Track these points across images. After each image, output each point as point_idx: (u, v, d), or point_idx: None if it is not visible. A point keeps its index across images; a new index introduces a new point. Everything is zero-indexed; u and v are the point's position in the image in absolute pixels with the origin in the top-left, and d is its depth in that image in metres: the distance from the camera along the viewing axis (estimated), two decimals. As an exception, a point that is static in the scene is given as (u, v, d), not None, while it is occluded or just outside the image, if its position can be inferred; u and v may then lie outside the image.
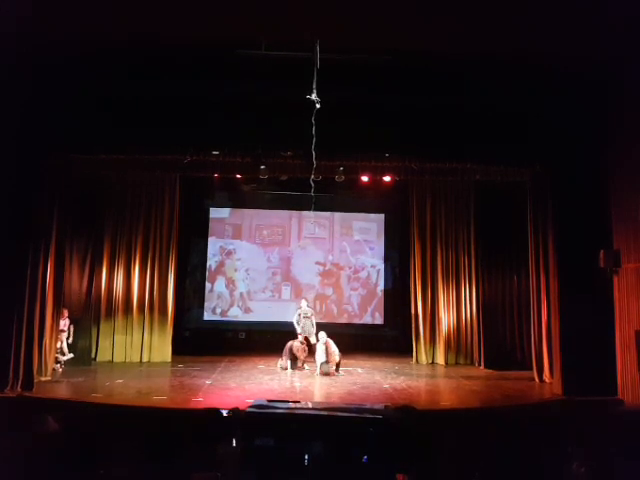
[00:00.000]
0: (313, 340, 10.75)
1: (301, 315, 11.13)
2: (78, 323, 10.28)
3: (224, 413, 5.00)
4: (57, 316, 9.19)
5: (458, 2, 6.20)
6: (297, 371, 10.25)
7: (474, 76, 7.83)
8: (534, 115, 8.38)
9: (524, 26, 6.59)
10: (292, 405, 6.04)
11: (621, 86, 7.96)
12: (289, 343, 10.40)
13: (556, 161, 8.60)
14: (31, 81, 7.83)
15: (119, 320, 11.31)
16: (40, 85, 7.89)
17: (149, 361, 11.17)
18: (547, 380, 9.30)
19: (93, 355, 10.92)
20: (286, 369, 10.19)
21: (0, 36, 6.76)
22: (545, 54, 7.22)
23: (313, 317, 11.22)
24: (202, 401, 7.58)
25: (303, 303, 11.43)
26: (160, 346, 11.29)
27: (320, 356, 10.00)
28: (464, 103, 8.28)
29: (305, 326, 10.98)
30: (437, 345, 11.72)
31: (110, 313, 11.30)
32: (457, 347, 11.67)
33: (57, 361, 9.56)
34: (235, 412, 4.93)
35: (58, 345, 9.55)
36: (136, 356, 11.19)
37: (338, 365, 10.11)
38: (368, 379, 9.71)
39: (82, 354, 10.32)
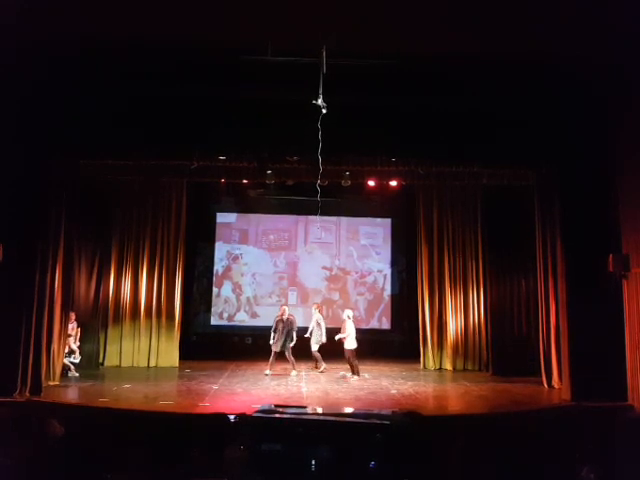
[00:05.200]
0: (314, 348, 10.68)
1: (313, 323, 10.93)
2: (86, 327, 10.33)
3: (231, 418, 5.00)
4: (65, 321, 9.23)
5: (460, 4, 6.21)
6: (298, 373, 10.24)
7: (478, 78, 7.81)
8: (539, 116, 8.32)
9: (528, 27, 6.58)
10: (299, 410, 6.02)
11: (627, 84, 7.88)
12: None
13: (562, 162, 8.53)
14: (34, 84, 7.85)
15: (127, 325, 11.35)
16: (43, 88, 7.92)
17: (156, 366, 11.20)
18: (556, 385, 9.22)
19: (101, 360, 10.97)
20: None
21: (2, 37, 6.81)
22: (548, 54, 7.20)
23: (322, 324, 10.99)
24: (209, 406, 7.59)
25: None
26: (167, 351, 11.32)
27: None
28: (469, 106, 8.25)
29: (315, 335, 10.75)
30: (445, 350, 11.66)
31: (118, 318, 11.35)
32: (465, 352, 11.61)
33: (64, 368, 9.54)
34: (242, 417, 4.93)
35: (66, 350, 9.58)
36: (143, 361, 11.23)
37: (354, 370, 10.07)
38: (375, 384, 9.67)
39: (90, 359, 10.36)
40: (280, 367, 10.58)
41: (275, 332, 10.36)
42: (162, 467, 3.92)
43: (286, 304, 11.67)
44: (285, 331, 10.29)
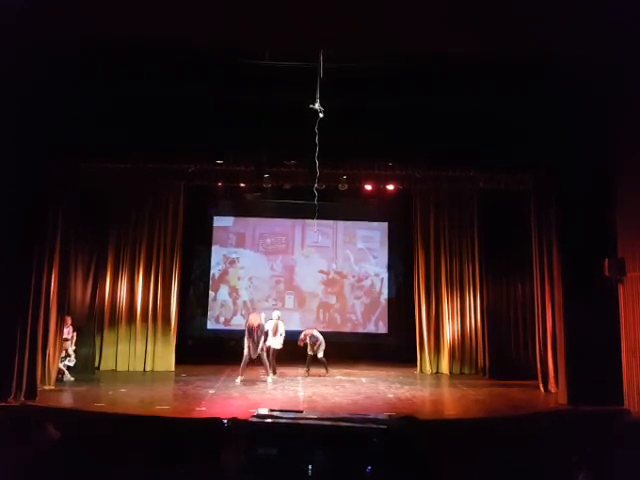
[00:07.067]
0: (320, 355, 10.59)
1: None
2: (82, 331, 10.28)
3: (227, 423, 4.97)
4: (61, 324, 9.17)
5: (460, 4, 6.22)
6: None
7: (475, 80, 7.81)
8: (539, 116, 8.29)
9: (526, 28, 6.59)
10: (295, 415, 6.00)
11: (627, 84, 7.86)
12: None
13: (562, 162, 8.50)
14: (34, 84, 7.83)
15: (123, 329, 11.29)
16: (43, 88, 7.89)
17: (152, 370, 11.12)
18: (552, 390, 9.21)
19: (96, 364, 10.90)
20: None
21: (2, 37, 6.81)
22: (548, 54, 7.22)
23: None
24: (205, 410, 7.55)
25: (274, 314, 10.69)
26: (163, 355, 11.26)
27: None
28: (468, 106, 8.23)
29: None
30: (441, 354, 11.65)
31: (114, 322, 11.29)
32: (462, 356, 11.59)
33: (60, 372, 9.47)
34: (237, 422, 4.90)
35: (62, 354, 9.53)
36: (139, 365, 11.16)
37: (268, 370, 10.04)
38: (372, 389, 9.65)
39: (85, 363, 10.30)
40: (278, 371, 10.54)
41: (250, 339, 9.80)
42: (157, 472, 3.89)
43: (283, 307, 11.57)
44: (258, 338, 9.81)
